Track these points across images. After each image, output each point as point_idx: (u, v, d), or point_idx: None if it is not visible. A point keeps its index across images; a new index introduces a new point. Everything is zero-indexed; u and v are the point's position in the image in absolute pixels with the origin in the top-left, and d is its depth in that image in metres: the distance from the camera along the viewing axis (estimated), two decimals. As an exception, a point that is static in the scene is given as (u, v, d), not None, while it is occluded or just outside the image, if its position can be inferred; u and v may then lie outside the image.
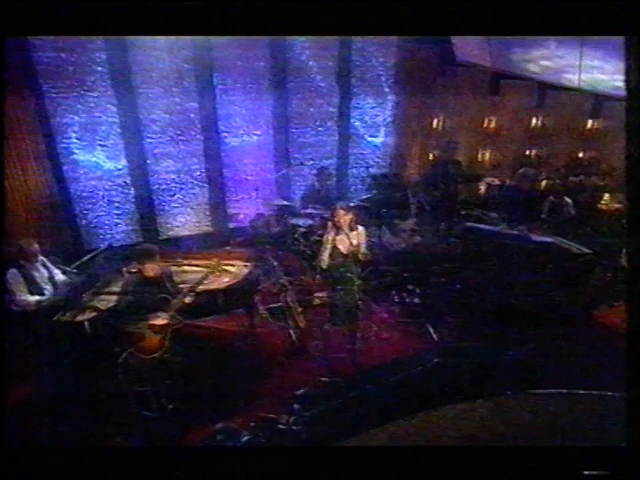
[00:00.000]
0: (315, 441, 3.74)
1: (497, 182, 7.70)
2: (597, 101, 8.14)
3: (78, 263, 5.03)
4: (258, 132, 7.40)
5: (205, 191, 7.37)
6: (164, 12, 2.68)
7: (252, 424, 3.97)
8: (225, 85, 6.99)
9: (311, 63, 7.33)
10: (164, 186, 7.13)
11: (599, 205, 7.15)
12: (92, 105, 6.36)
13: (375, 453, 3.07)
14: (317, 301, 4.78)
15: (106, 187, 6.76)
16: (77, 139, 6.40)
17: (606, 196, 7.27)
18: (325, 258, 4.43)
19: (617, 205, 6.89)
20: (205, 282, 4.42)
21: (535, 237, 5.56)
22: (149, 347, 3.93)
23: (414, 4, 2.69)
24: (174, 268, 4.71)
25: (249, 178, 7.48)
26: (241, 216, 7.38)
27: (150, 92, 6.62)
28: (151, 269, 4.07)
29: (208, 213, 7.48)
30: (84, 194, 6.65)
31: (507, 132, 8.54)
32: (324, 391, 4.26)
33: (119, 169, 6.75)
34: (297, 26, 2.80)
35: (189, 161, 7.16)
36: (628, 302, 2.48)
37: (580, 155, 8.54)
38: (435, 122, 8.29)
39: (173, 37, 6.37)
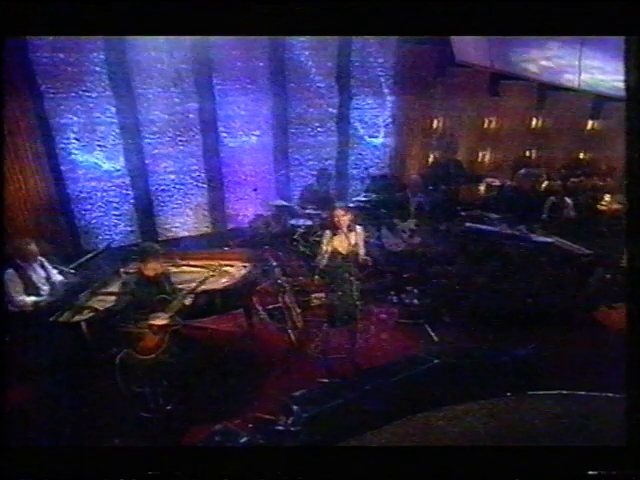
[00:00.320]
0: (313, 442, 3.70)
1: (497, 183, 7.68)
2: (597, 102, 8.13)
3: (76, 264, 5.00)
4: (257, 133, 7.39)
5: (204, 192, 7.35)
6: (163, 12, 2.71)
7: (250, 425, 3.94)
8: (224, 86, 6.98)
9: (310, 63, 7.32)
10: (163, 187, 7.11)
11: (599, 206, 7.13)
12: (91, 105, 6.34)
13: (374, 453, 3.06)
14: (315, 302, 4.74)
15: (105, 188, 6.74)
16: (76, 139, 6.38)
17: (607, 197, 7.25)
18: (323, 258, 4.41)
19: (618, 206, 6.86)
20: (205, 283, 4.39)
21: (535, 237, 5.57)
22: (147, 347, 3.90)
23: (414, 4, 2.72)
24: (172, 269, 4.67)
25: (248, 179, 7.46)
26: (240, 217, 7.36)
27: (149, 93, 6.61)
28: (152, 268, 4.03)
29: (207, 214, 7.46)
30: (83, 195, 6.63)
31: (507, 133, 8.52)
32: (323, 392, 4.22)
33: (118, 170, 6.73)
34: (297, 26, 2.83)
35: (188, 162, 7.14)
36: (628, 303, 2.46)
37: (581, 156, 8.53)
38: (435, 123, 8.27)
39: (172, 37, 6.35)
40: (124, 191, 6.86)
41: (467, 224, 6.21)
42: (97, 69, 6.23)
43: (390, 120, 8.14)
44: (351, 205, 6.57)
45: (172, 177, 7.10)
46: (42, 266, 4.68)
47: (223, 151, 7.25)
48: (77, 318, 4.10)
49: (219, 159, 7.24)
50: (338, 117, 7.80)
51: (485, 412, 3.90)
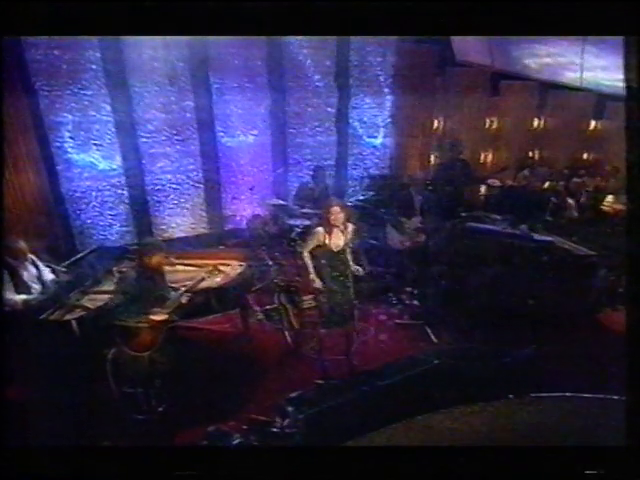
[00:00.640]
0: (308, 444, 3.62)
1: (498, 183, 7.62)
2: (600, 101, 8.07)
3: (68, 262, 4.93)
4: (255, 132, 7.32)
5: (201, 192, 7.27)
6: (162, 12, 2.70)
7: (244, 427, 3.87)
8: (221, 84, 6.93)
9: (309, 62, 7.27)
10: (159, 186, 7.03)
11: (602, 207, 7.08)
12: (86, 104, 6.26)
13: (371, 455, 2.99)
14: (312, 302, 4.67)
15: (100, 187, 6.66)
16: (71, 138, 6.31)
17: (609, 197, 7.20)
18: (308, 246, 4.36)
19: (621, 206, 6.80)
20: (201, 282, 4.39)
21: (536, 236, 5.50)
22: (141, 344, 3.85)
23: (414, 4, 2.71)
24: (167, 268, 4.61)
25: (246, 179, 7.39)
26: (238, 217, 7.28)
27: (145, 91, 6.54)
28: (158, 262, 4.03)
29: (204, 214, 7.39)
30: (77, 194, 6.55)
31: (508, 133, 8.46)
32: (319, 394, 4.16)
33: (113, 169, 6.65)
34: (297, 26, 2.86)
35: (185, 161, 7.07)
36: (627, 304, 2.50)
37: (583, 156, 8.47)
38: (435, 123, 8.22)
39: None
40: (120, 190, 6.78)
41: (468, 224, 6.15)
42: (92, 67, 6.16)
43: (389, 120, 8.09)
44: (349, 204, 6.52)
45: (168, 176, 7.03)
46: (34, 264, 4.60)
47: (220, 150, 7.18)
48: (68, 317, 4.03)
49: (216, 158, 7.17)
50: (337, 117, 7.75)
51: (486, 414, 3.82)
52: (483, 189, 7.53)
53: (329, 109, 7.66)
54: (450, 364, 4.40)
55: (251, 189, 6.83)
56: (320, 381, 4.46)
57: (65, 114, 6.19)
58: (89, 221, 6.72)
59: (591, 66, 6.58)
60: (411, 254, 6.23)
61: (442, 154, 8.10)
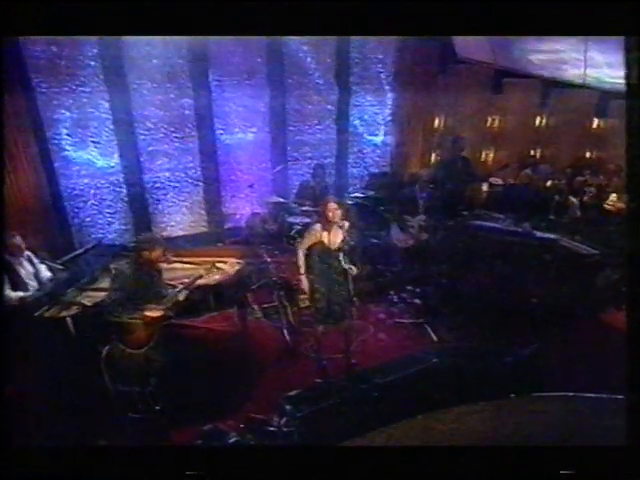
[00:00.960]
0: (306, 443, 3.57)
1: (500, 182, 7.56)
2: (603, 99, 8.01)
3: (65, 259, 4.91)
4: (254, 130, 7.28)
5: (200, 190, 7.24)
6: (162, 12, 2.71)
7: (242, 425, 3.83)
8: (221, 81, 6.89)
9: (309, 59, 7.23)
10: (158, 184, 7.00)
11: (606, 205, 7.01)
12: (84, 100, 6.24)
13: (370, 455, 2.96)
14: (305, 303, 4.62)
15: (98, 185, 6.63)
16: (68, 135, 6.28)
17: (613, 196, 7.13)
18: (305, 243, 4.33)
19: (624, 205, 6.74)
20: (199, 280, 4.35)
21: (539, 234, 5.45)
22: (137, 341, 3.82)
23: (414, 4, 2.72)
24: (165, 266, 4.58)
25: (245, 177, 7.34)
26: (237, 216, 7.23)
27: (144, 88, 6.50)
28: (157, 256, 4.00)
29: (203, 212, 7.35)
30: (75, 192, 6.52)
31: (511, 131, 8.40)
32: (317, 392, 4.10)
33: (112, 166, 6.62)
34: (297, 26, 2.85)
35: (184, 159, 7.03)
36: (628, 303, 2.62)
37: (587, 155, 8.40)
38: (436, 121, 8.16)
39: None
40: (118, 188, 6.75)
41: (470, 221, 6.12)
42: (91, 63, 6.14)
43: (390, 118, 8.03)
44: (350, 202, 6.48)
45: (167, 174, 6.99)
46: (30, 261, 4.57)
47: (219, 148, 7.14)
48: (64, 314, 4.01)
49: (215, 156, 7.13)
50: (337, 114, 7.70)
51: (487, 414, 3.77)
52: (485, 187, 7.45)
53: (329, 107, 7.61)
54: (451, 363, 4.36)
55: (250, 186, 6.77)
56: (318, 380, 4.41)
57: (63, 111, 6.17)
58: (87, 219, 6.69)
59: (595, 63, 6.52)
60: (414, 252, 6.18)
61: (443, 151, 8.03)
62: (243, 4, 2.68)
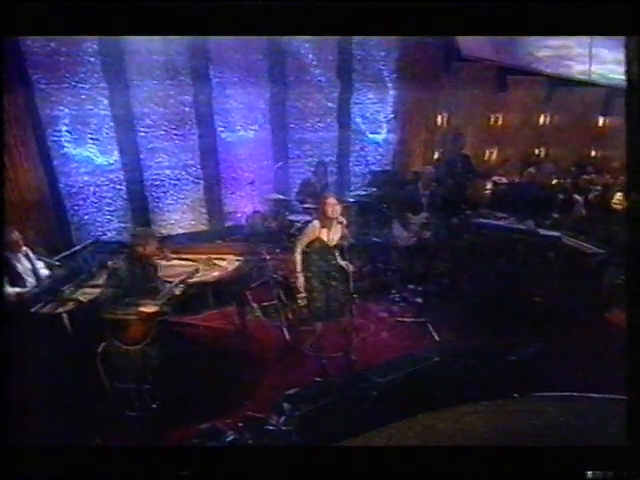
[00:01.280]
0: (305, 443, 3.52)
1: (504, 180, 7.51)
2: (608, 97, 7.95)
3: (62, 255, 4.86)
4: (255, 127, 7.26)
5: (200, 187, 7.21)
6: (162, 12, 2.71)
7: (240, 424, 3.77)
8: (221, 78, 6.87)
9: (310, 57, 7.21)
10: (158, 182, 6.98)
11: (611, 204, 6.95)
12: (83, 97, 6.22)
13: (369, 455, 2.92)
14: (304, 301, 4.57)
15: (98, 182, 6.60)
16: (68, 132, 6.26)
17: (618, 194, 7.06)
18: (304, 241, 4.27)
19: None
20: (196, 275, 4.32)
21: (542, 231, 5.41)
22: (133, 337, 3.76)
23: (414, 4, 2.70)
24: (163, 262, 4.54)
25: (246, 174, 7.31)
26: (238, 214, 7.19)
27: (144, 84, 6.48)
28: (152, 251, 3.97)
29: (203, 210, 7.33)
30: (74, 189, 6.50)
31: (514, 130, 8.35)
32: (316, 391, 4.07)
33: (111, 164, 6.60)
34: (297, 26, 2.82)
35: (184, 156, 7.01)
36: (628, 303, 2.57)
37: (592, 153, 8.35)
38: (439, 119, 8.11)
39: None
40: (117, 186, 6.73)
41: (474, 219, 6.08)
42: (90, 59, 6.13)
43: (392, 116, 7.99)
44: (352, 200, 6.44)
45: (167, 172, 6.97)
46: (27, 257, 4.53)
47: (220, 146, 7.11)
48: (60, 310, 3.96)
49: (216, 154, 7.11)
50: (339, 112, 7.67)
51: (489, 413, 3.73)
52: (489, 185, 7.40)
53: (331, 104, 7.59)
54: (452, 362, 4.32)
55: (251, 184, 6.72)
56: (318, 378, 4.35)
57: (62, 107, 6.14)
58: (87, 217, 6.66)
59: (601, 59, 6.45)
60: (416, 250, 6.13)
61: (444, 148, 7.98)
62: (243, 4, 2.68)
